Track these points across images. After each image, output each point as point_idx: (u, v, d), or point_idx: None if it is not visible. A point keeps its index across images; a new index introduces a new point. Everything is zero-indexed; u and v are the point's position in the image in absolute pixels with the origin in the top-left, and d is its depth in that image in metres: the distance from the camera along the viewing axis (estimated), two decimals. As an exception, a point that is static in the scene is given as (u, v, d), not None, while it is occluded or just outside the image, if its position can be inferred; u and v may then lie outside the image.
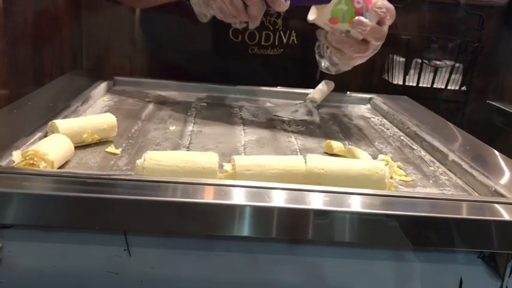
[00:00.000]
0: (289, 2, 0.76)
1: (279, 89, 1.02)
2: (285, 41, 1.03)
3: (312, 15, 0.78)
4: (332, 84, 1.02)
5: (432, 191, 0.61)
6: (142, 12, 1.13)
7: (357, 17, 0.74)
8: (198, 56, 1.02)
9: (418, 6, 2.06)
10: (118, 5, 1.03)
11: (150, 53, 1.15)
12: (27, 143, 0.59)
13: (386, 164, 0.59)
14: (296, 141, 0.76)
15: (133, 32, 1.81)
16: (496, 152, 0.73)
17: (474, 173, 0.62)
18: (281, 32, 1.02)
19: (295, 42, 1.05)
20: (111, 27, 1.89)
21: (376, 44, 0.78)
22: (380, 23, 0.76)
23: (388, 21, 0.77)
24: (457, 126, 0.87)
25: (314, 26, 0.79)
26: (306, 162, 0.56)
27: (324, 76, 1.03)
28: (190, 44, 1.02)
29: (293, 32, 1.03)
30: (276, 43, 1.02)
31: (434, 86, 2.00)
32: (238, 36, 0.99)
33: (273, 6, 0.75)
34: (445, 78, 2.00)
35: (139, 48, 1.75)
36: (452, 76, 2.01)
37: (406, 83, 2.01)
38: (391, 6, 0.77)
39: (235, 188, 0.50)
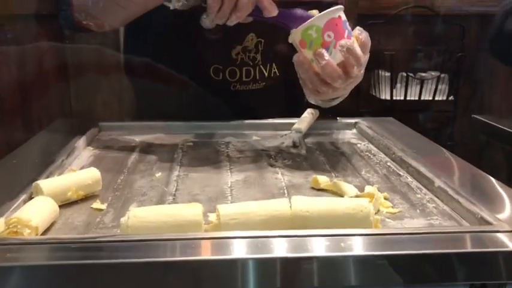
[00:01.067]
0: (277, 12, 0.77)
1: (264, 121, 1.03)
2: (266, 74, 1.04)
3: (290, 34, 0.79)
4: (317, 112, 1.03)
5: (420, 222, 0.61)
6: (125, 57, 1.13)
7: (318, 49, 0.74)
8: (181, 98, 1.02)
9: (399, 20, 2.08)
10: (89, 33, 1.03)
11: (135, 94, 1.16)
12: (12, 208, 0.59)
13: (370, 201, 0.59)
14: (283, 177, 0.76)
15: (119, 74, 1.82)
16: (483, 174, 0.73)
17: (460, 199, 0.63)
18: (261, 66, 1.03)
19: (277, 74, 1.05)
20: (97, 70, 1.90)
21: (334, 85, 0.76)
22: (345, 64, 0.75)
23: (351, 66, 0.75)
24: (447, 138, 0.87)
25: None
26: (291, 205, 0.56)
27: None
28: (172, 86, 1.02)
29: (274, 64, 1.04)
30: (257, 77, 1.03)
31: (422, 98, 2.02)
32: (219, 74, 1.00)
33: (263, 8, 0.76)
34: (431, 89, 2.02)
35: (126, 88, 1.76)
36: (439, 87, 2.03)
37: (394, 97, 2.03)
38: (358, 52, 0.75)
39: (226, 240, 0.50)
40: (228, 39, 0.98)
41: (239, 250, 0.49)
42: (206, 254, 0.49)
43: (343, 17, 0.76)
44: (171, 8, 0.79)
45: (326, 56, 0.74)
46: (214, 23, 0.79)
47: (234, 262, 0.48)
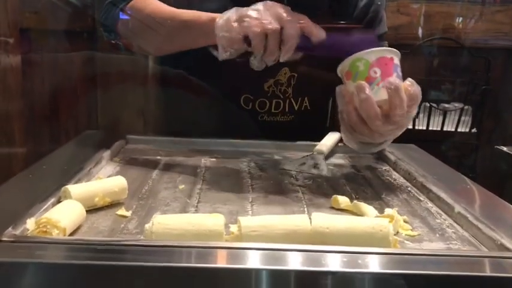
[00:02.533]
0: (324, 33, 0.76)
1: (287, 142, 1.04)
2: (296, 107, 1.05)
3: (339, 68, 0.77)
4: (339, 135, 1.04)
5: (438, 245, 0.61)
6: (162, 69, 1.16)
7: (361, 82, 0.71)
8: (209, 118, 1.04)
9: (423, 50, 2.10)
10: (130, 61, 1.07)
11: (164, 110, 1.18)
12: (41, 210, 0.61)
13: (390, 221, 0.59)
14: (303, 196, 0.77)
15: (146, 88, 1.87)
16: (503, 202, 0.73)
17: (480, 225, 0.63)
18: (292, 99, 1.04)
19: (308, 108, 1.06)
20: (125, 85, 1.95)
21: (371, 125, 0.72)
22: (389, 104, 0.71)
23: (394, 107, 0.71)
24: (469, 169, 0.87)
25: (328, 92, 0.79)
26: (311, 221, 0.57)
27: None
28: (202, 106, 1.04)
29: (305, 98, 1.05)
30: (287, 110, 1.04)
31: (444, 129, 2.01)
32: (248, 104, 1.02)
33: (311, 34, 0.75)
34: (454, 120, 2.01)
35: (152, 104, 1.80)
36: (462, 118, 2.02)
37: (416, 127, 2.02)
38: (403, 95, 0.71)
39: (244, 250, 0.51)
40: (262, 72, 0.99)
41: (255, 260, 0.50)
42: (223, 262, 0.50)
43: (396, 61, 0.74)
44: (220, 59, 0.79)
45: (367, 90, 0.71)
46: (264, 64, 0.78)
47: (248, 272, 0.49)
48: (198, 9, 0.87)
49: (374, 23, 1.07)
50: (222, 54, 0.78)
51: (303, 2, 0.97)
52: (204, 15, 0.84)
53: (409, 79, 0.76)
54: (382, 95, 0.72)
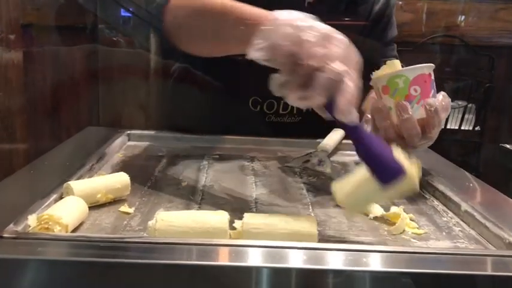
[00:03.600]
0: (356, 117, 0.57)
1: (290, 139, 1.03)
2: (304, 109, 1.03)
3: (373, 76, 0.74)
4: (343, 133, 1.03)
5: (445, 243, 0.60)
6: (164, 68, 1.14)
7: (402, 102, 0.70)
8: (215, 117, 1.03)
9: (427, 48, 2.09)
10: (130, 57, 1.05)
11: (169, 106, 1.17)
12: (43, 206, 0.60)
13: (397, 217, 0.59)
14: (307, 193, 0.76)
15: (148, 85, 1.86)
16: (510, 200, 0.72)
17: (487, 223, 0.62)
18: None
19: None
20: (126, 81, 1.94)
21: (410, 142, 0.70)
22: (426, 124, 0.70)
23: (432, 126, 0.71)
24: (472, 168, 0.87)
25: None
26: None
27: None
28: (208, 104, 1.03)
29: None
30: (295, 111, 1.04)
31: (448, 126, 2.00)
32: (257, 106, 1.01)
33: (336, 113, 0.57)
34: (458, 118, 2.00)
35: (154, 100, 1.80)
36: (466, 116, 2.01)
37: (419, 125, 2.01)
38: (441, 115, 0.71)
39: (247, 248, 0.51)
40: (271, 74, 0.96)
41: (257, 258, 0.49)
42: (226, 260, 0.50)
43: (433, 76, 0.73)
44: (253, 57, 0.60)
45: (410, 110, 0.69)
46: (279, 94, 0.62)
47: (250, 270, 0.48)
48: None
49: (387, 26, 1.07)
50: (255, 57, 0.61)
51: (320, 5, 0.96)
52: (257, 12, 0.67)
53: (442, 93, 0.75)
54: (421, 113, 0.71)
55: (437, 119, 0.71)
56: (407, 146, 0.72)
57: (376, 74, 0.74)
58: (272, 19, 0.60)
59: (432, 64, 0.73)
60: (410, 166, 0.58)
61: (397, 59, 1.10)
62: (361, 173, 0.61)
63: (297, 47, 0.57)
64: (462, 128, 2.01)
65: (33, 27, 1.59)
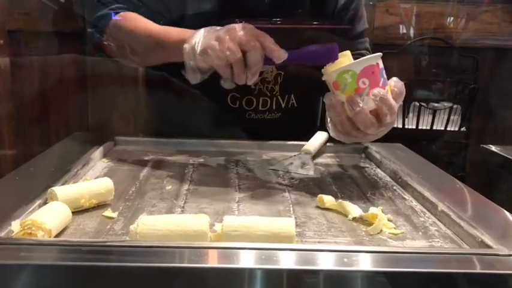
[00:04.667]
0: (287, 54, 0.77)
1: (274, 142, 1.05)
2: (283, 105, 1.06)
3: (324, 72, 0.78)
4: (327, 135, 1.05)
5: (421, 243, 0.62)
6: (147, 71, 1.17)
7: (352, 95, 0.74)
8: (196, 118, 1.05)
9: (412, 50, 2.11)
10: (119, 63, 1.08)
11: (152, 109, 1.19)
12: (27, 211, 0.61)
13: (375, 217, 0.60)
14: (290, 195, 0.78)
15: (137, 90, 1.87)
16: (487, 200, 0.74)
17: (462, 223, 0.64)
18: (279, 97, 1.05)
19: (295, 105, 1.07)
20: (115, 86, 1.95)
21: (367, 131, 0.75)
22: (378, 113, 0.74)
23: (384, 115, 0.74)
24: (458, 168, 0.88)
25: (315, 89, 0.81)
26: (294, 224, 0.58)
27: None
28: (188, 106, 1.05)
29: (292, 96, 1.06)
30: (274, 107, 1.05)
31: (434, 127, 2.03)
32: (235, 102, 1.03)
33: (272, 57, 0.76)
34: (444, 119, 2.03)
35: (143, 105, 1.81)
36: (451, 117, 2.04)
37: (406, 126, 2.04)
38: (391, 102, 0.74)
39: (229, 250, 0.52)
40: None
41: (240, 260, 0.51)
42: (208, 262, 0.51)
43: (381, 65, 0.75)
44: (192, 82, 0.83)
45: (360, 103, 0.73)
46: (234, 84, 0.80)
47: (233, 271, 0.49)
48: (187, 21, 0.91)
49: (354, 20, 1.08)
50: (192, 80, 0.82)
51: (284, 1, 0.99)
52: (174, 34, 0.86)
53: (394, 78, 0.79)
54: (373, 104, 0.74)
55: (388, 106, 0.74)
56: (366, 135, 0.77)
57: (325, 71, 0.77)
58: (186, 36, 0.81)
59: (379, 53, 0.76)
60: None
61: (368, 51, 1.12)
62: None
63: (211, 60, 0.76)
64: (448, 128, 2.04)
65: (21, 33, 1.59)
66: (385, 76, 0.76)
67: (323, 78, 0.78)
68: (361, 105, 0.73)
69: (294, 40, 0.83)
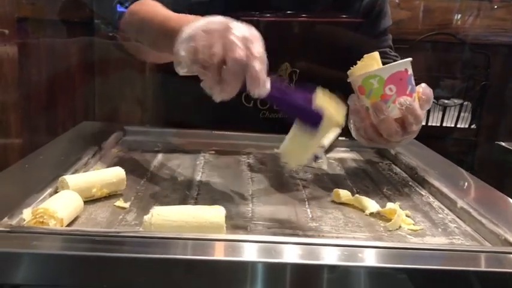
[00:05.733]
0: (267, 91, 0.60)
1: (286, 134, 1.03)
2: None
3: (349, 74, 0.75)
4: (339, 129, 1.03)
5: (441, 240, 0.60)
6: (156, 66, 1.15)
7: (378, 101, 0.71)
8: (209, 114, 1.03)
9: (423, 46, 2.09)
10: (129, 56, 1.06)
11: (161, 103, 1.17)
12: (38, 200, 0.60)
13: (393, 213, 0.59)
14: (304, 189, 0.76)
15: (144, 81, 1.86)
16: (506, 197, 0.72)
17: (483, 220, 0.62)
18: None
19: None
20: (122, 76, 1.94)
21: (390, 139, 0.73)
22: (403, 122, 0.72)
23: (409, 124, 0.72)
24: (468, 165, 0.87)
25: (330, 87, 0.75)
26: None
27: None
28: (202, 101, 1.03)
29: None
30: None
31: (444, 124, 2.00)
32: (250, 101, 1.01)
33: (250, 87, 0.60)
34: (454, 116, 2.01)
35: (150, 95, 1.79)
36: (462, 114, 2.01)
37: (415, 123, 2.02)
38: (417, 111, 0.71)
39: (244, 243, 0.51)
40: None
41: (253, 253, 0.49)
42: (222, 255, 0.50)
43: (410, 70, 0.72)
44: (177, 71, 0.65)
45: (385, 111, 0.70)
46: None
47: (245, 264, 0.48)
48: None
49: (379, 16, 1.06)
50: (176, 69, 0.65)
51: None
52: (177, 21, 0.71)
53: (422, 85, 0.76)
54: (398, 112, 0.72)
55: (414, 116, 0.71)
56: (389, 142, 0.74)
57: (351, 73, 0.74)
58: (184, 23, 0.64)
59: (409, 59, 0.73)
60: (333, 105, 0.62)
61: (391, 49, 1.10)
62: (293, 129, 0.66)
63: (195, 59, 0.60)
64: (458, 126, 2.02)
65: (29, 21, 1.58)
66: (413, 82, 0.73)
67: (348, 80, 0.75)
68: (385, 113, 0.70)
69: (310, 37, 0.80)
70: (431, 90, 0.75)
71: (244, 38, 0.59)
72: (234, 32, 0.59)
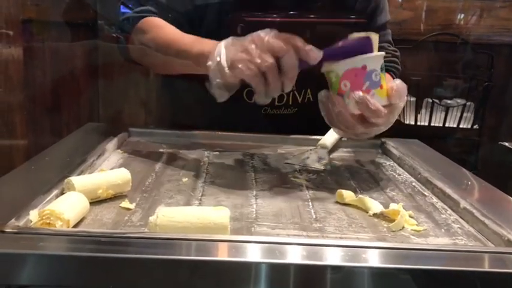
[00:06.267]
0: (322, 53, 0.71)
1: (290, 136, 1.04)
2: (300, 100, 1.04)
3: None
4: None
5: (444, 240, 0.61)
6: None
7: (334, 95, 0.73)
8: (211, 112, 1.04)
9: (426, 46, 2.09)
10: (137, 65, 1.07)
11: (165, 104, 1.18)
12: (44, 201, 0.61)
13: (397, 214, 0.59)
14: (307, 190, 0.77)
15: (148, 82, 1.86)
16: (509, 198, 0.72)
17: (486, 221, 0.62)
18: (295, 92, 1.03)
19: (311, 99, 1.05)
20: (126, 77, 1.95)
21: (349, 132, 0.76)
22: (365, 116, 0.73)
23: (368, 117, 0.72)
24: (471, 166, 0.87)
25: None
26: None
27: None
28: (204, 99, 1.04)
29: (308, 90, 1.04)
30: (290, 102, 1.03)
31: (446, 125, 2.00)
32: (251, 97, 1.01)
33: (308, 58, 0.70)
34: (456, 117, 2.01)
35: (154, 96, 1.80)
36: (464, 114, 2.01)
37: (418, 123, 2.02)
38: (372, 106, 0.71)
39: (248, 244, 0.51)
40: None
41: (257, 254, 0.50)
42: (226, 256, 0.50)
43: (371, 67, 0.72)
44: (219, 100, 0.76)
45: (339, 104, 0.73)
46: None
47: (249, 265, 0.48)
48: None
49: (376, 12, 1.06)
50: (220, 98, 0.75)
51: None
52: (195, 48, 0.80)
53: (396, 80, 0.76)
54: (354, 108, 0.73)
55: (370, 110, 0.71)
56: (354, 133, 0.77)
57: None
58: (207, 49, 0.75)
59: (369, 55, 0.72)
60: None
61: (390, 44, 1.10)
62: None
63: (242, 73, 0.70)
64: (461, 126, 2.02)
65: (33, 23, 1.59)
66: (374, 79, 0.72)
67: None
68: (339, 107, 0.73)
69: (310, 35, 0.81)
70: (405, 86, 0.75)
71: (275, 35, 0.70)
72: (264, 36, 0.70)
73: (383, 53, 0.74)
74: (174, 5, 0.96)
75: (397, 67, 1.09)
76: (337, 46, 0.74)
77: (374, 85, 0.73)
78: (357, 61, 0.72)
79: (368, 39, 0.73)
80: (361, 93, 0.71)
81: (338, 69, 0.73)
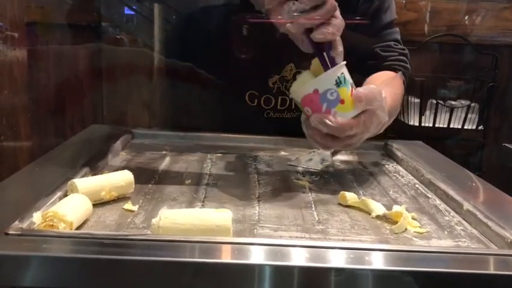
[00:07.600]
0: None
1: (292, 138, 1.04)
2: None
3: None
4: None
5: (447, 242, 0.60)
6: (165, 68, 1.16)
7: (303, 120, 0.73)
8: (214, 115, 1.04)
9: (430, 47, 2.08)
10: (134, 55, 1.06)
11: (169, 106, 1.18)
12: (48, 203, 0.61)
13: (399, 216, 0.59)
14: (310, 192, 0.76)
15: (151, 84, 1.87)
16: (512, 200, 0.72)
17: (489, 223, 0.62)
18: None
19: None
20: (130, 79, 1.95)
21: (321, 148, 0.76)
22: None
23: (334, 135, 0.70)
24: (475, 167, 0.86)
25: None
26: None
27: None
28: (207, 102, 1.04)
29: None
30: (293, 107, 1.04)
31: (451, 126, 1.99)
32: (254, 100, 1.01)
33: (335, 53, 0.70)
34: (461, 118, 2.00)
35: (158, 98, 1.80)
36: (469, 115, 2.00)
37: (422, 124, 2.01)
38: (333, 125, 0.69)
39: (251, 246, 0.51)
40: (267, 68, 0.98)
41: (260, 256, 0.50)
42: (229, 258, 0.50)
43: (324, 87, 0.69)
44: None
45: (306, 129, 0.73)
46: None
47: (252, 267, 0.48)
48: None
49: (380, 11, 1.05)
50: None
51: None
52: None
53: (359, 88, 0.72)
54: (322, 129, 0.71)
55: (332, 129, 0.69)
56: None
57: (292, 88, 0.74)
58: None
59: (320, 78, 0.70)
60: None
61: (398, 42, 1.09)
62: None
63: None
64: (465, 127, 2.01)
65: (38, 25, 1.59)
66: (332, 97, 0.70)
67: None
68: (308, 132, 0.72)
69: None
70: (373, 88, 0.72)
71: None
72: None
73: (334, 69, 0.70)
74: (180, 7, 0.96)
75: (405, 65, 1.07)
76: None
77: (332, 104, 0.70)
78: (307, 87, 0.70)
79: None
80: (316, 117, 0.70)
81: (296, 97, 0.73)
